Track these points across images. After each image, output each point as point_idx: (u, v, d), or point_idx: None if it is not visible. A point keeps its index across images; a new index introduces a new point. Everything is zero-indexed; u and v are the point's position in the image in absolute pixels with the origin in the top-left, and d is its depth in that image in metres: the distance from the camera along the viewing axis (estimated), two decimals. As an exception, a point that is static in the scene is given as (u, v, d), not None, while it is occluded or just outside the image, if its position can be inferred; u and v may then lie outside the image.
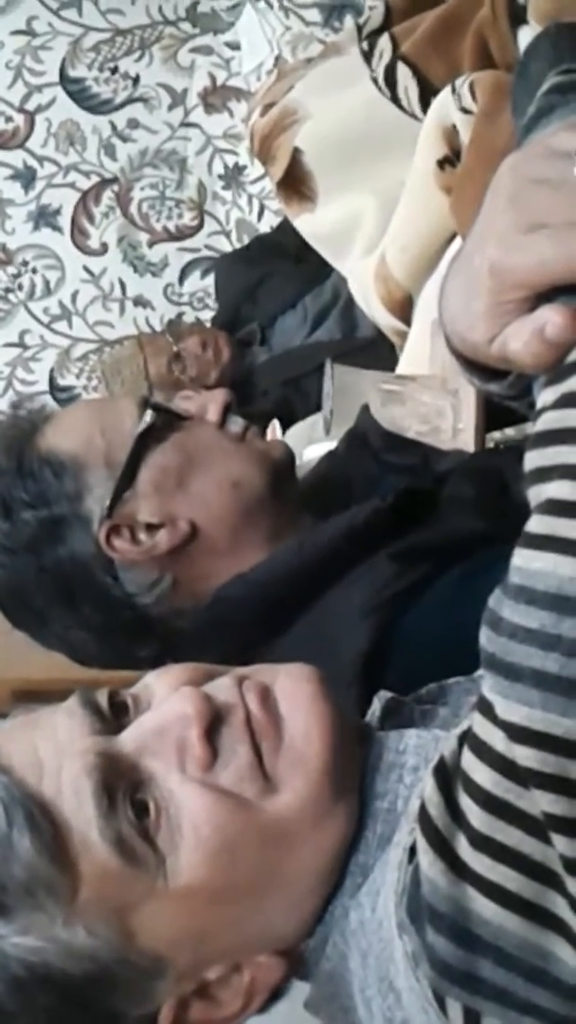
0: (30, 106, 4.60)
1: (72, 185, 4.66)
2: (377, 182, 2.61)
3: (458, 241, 2.23)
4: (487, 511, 1.60)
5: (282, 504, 1.69)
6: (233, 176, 4.59)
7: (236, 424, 1.72)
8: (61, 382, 4.75)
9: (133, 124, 4.64)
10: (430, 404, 2.11)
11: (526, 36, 2.24)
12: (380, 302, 2.59)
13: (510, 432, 2.17)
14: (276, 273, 4.07)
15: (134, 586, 1.66)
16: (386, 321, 2.63)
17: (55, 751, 1.02)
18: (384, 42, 2.55)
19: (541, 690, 0.78)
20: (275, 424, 3.27)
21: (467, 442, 2.07)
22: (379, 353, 2.85)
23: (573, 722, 0.77)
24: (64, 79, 4.59)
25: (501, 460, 1.78)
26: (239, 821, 1.00)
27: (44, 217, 4.66)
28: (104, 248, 4.69)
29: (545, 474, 0.81)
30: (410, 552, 1.55)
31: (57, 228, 4.67)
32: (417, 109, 2.49)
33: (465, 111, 2.25)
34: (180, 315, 4.75)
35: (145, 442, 1.66)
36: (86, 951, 0.98)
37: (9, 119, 4.61)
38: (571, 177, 0.84)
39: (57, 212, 4.66)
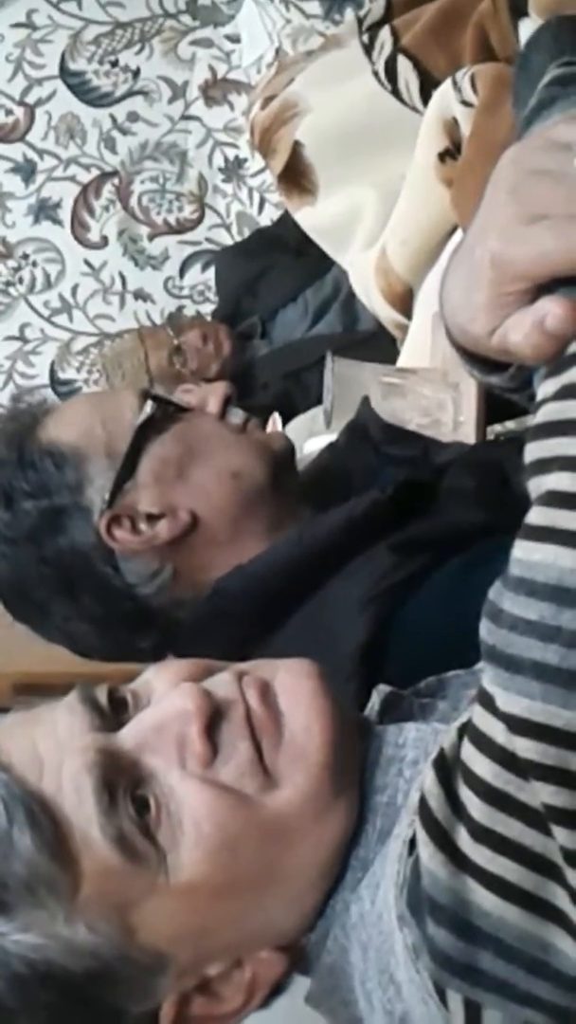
0: (30, 99, 4.60)
1: (72, 178, 4.65)
2: (378, 175, 2.61)
3: (459, 234, 2.22)
4: (487, 503, 1.60)
5: (282, 495, 1.69)
6: (233, 169, 4.59)
7: (236, 416, 1.72)
8: (62, 376, 4.75)
9: (133, 117, 4.63)
10: (431, 397, 2.12)
11: (527, 28, 2.24)
12: (381, 295, 2.59)
13: (511, 425, 2.17)
14: (277, 266, 4.07)
15: (134, 576, 1.66)
16: (387, 314, 2.63)
17: (55, 748, 1.02)
18: (385, 35, 2.55)
19: (541, 682, 0.78)
20: (276, 417, 3.27)
21: (468, 435, 2.07)
22: (380, 346, 2.85)
23: (573, 714, 0.77)
24: (64, 72, 4.59)
25: (501, 452, 1.78)
26: (240, 817, 0.99)
27: (44, 210, 4.65)
28: (104, 241, 4.69)
29: (545, 465, 0.81)
30: (409, 543, 1.55)
31: (57, 221, 4.67)
32: (418, 102, 2.49)
33: (466, 104, 2.24)
34: (181, 308, 4.75)
35: (146, 433, 1.66)
36: (87, 948, 0.98)
37: (9, 112, 4.61)
38: (572, 169, 0.84)
39: (57, 205, 4.66)
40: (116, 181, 4.66)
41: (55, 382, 4.74)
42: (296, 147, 2.68)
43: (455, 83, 2.27)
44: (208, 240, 4.71)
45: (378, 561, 1.54)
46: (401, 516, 1.59)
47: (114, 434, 1.66)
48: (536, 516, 0.81)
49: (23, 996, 0.97)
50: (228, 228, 4.67)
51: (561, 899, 0.81)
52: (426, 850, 0.86)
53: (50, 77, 4.59)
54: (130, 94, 4.62)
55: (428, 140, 2.34)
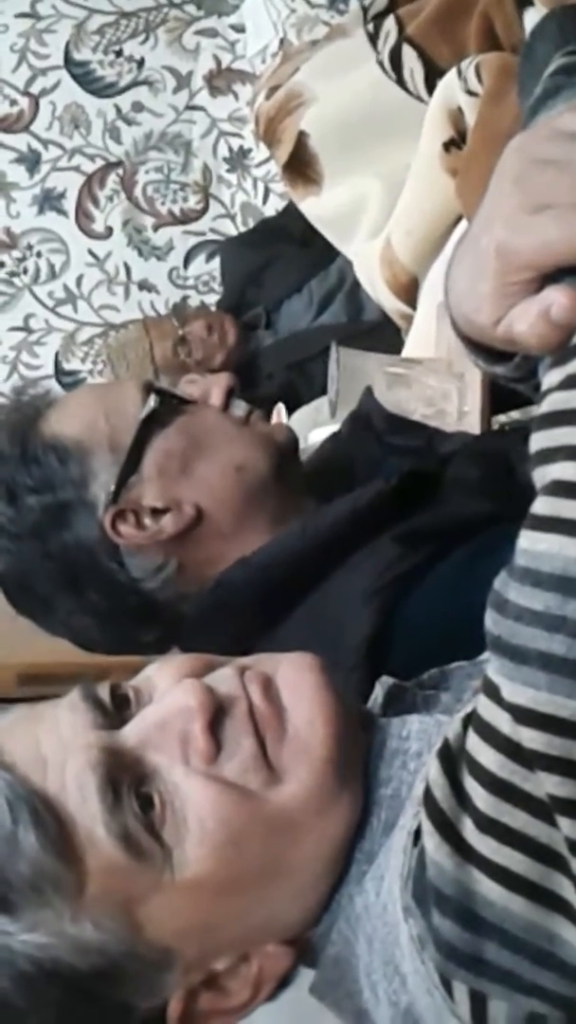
0: (34, 89, 4.60)
1: (77, 168, 4.66)
2: (382, 165, 2.61)
3: (463, 224, 2.22)
4: (492, 493, 1.60)
5: (286, 487, 1.68)
6: (238, 159, 4.59)
7: (240, 408, 1.72)
8: (66, 366, 4.75)
9: (138, 107, 4.63)
10: (436, 387, 2.11)
11: (532, 18, 2.24)
12: (385, 285, 2.58)
13: (516, 415, 2.16)
14: (281, 256, 4.07)
15: (139, 571, 1.66)
16: (391, 304, 2.62)
17: (58, 746, 1.01)
18: (389, 24, 2.55)
19: (547, 672, 0.78)
20: (280, 408, 3.27)
21: (472, 425, 2.06)
22: (385, 336, 2.85)
23: (579, 704, 0.77)
24: (69, 62, 4.59)
25: (506, 442, 1.78)
26: (244, 812, 0.99)
27: (49, 201, 4.65)
28: (109, 232, 4.69)
29: (550, 455, 0.81)
30: (414, 535, 1.55)
31: (62, 212, 4.67)
32: (423, 91, 2.49)
33: (471, 93, 2.24)
34: (185, 299, 4.75)
35: (149, 427, 1.65)
36: (94, 946, 0.98)
37: (14, 102, 4.61)
38: (577, 158, 0.84)
39: (62, 196, 4.66)
40: (120, 171, 4.66)
41: (60, 372, 4.74)
42: (301, 137, 2.67)
43: (460, 72, 2.27)
44: (213, 230, 4.71)
45: (383, 553, 1.53)
46: (405, 506, 1.59)
47: (117, 428, 1.65)
48: (541, 506, 0.81)
49: (31, 995, 0.97)
50: (233, 218, 4.67)
51: (566, 889, 0.81)
52: (431, 841, 0.86)
53: (54, 67, 4.59)
54: (134, 84, 4.62)
55: (433, 130, 2.34)
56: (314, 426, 2.73)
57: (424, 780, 0.91)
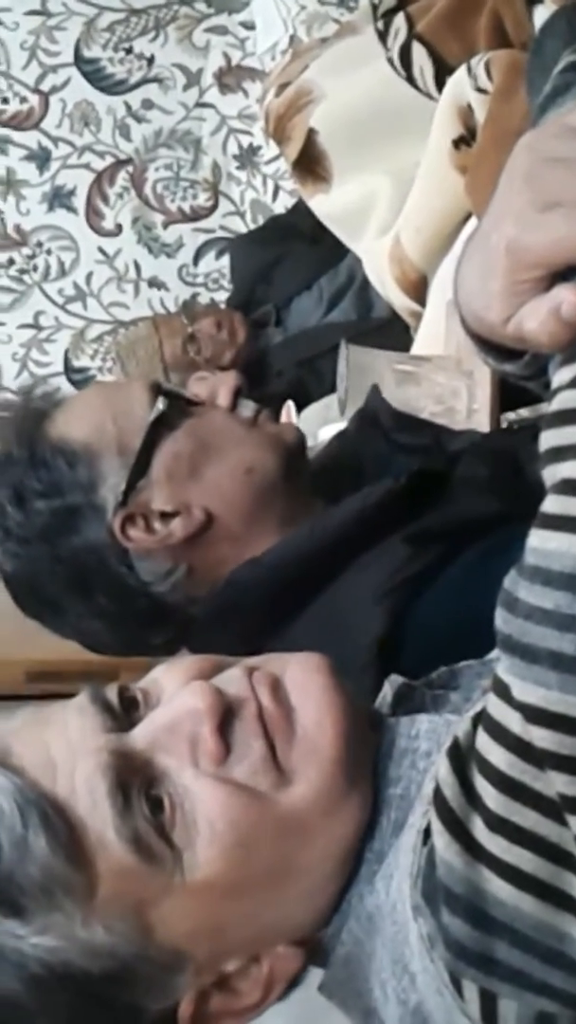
0: (45, 87, 4.60)
1: (87, 166, 4.65)
2: (392, 162, 2.61)
3: (473, 221, 2.22)
4: (501, 492, 1.59)
5: (295, 488, 1.68)
6: (248, 157, 4.58)
7: (247, 408, 1.71)
8: (76, 363, 4.74)
9: (148, 105, 4.63)
10: (445, 384, 2.11)
11: (541, 15, 2.24)
12: (395, 283, 2.59)
13: (525, 412, 2.16)
14: (291, 254, 4.07)
15: (149, 575, 1.65)
16: (401, 302, 2.63)
17: (67, 750, 1.01)
18: (399, 21, 2.55)
19: (558, 671, 0.78)
20: (290, 405, 3.27)
21: (482, 422, 2.06)
22: (394, 334, 2.85)
23: (589, 703, 0.77)
24: (79, 59, 4.59)
25: (515, 440, 1.77)
26: (254, 814, 0.99)
27: (59, 198, 4.65)
28: (119, 229, 4.69)
29: (560, 454, 0.81)
30: (424, 535, 1.55)
31: (72, 209, 4.66)
32: (432, 89, 2.49)
33: (481, 90, 2.24)
34: (195, 296, 4.75)
35: (158, 430, 1.65)
36: (105, 949, 0.98)
37: (24, 100, 4.61)
38: (587, 156, 0.84)
39: (72, 193, 4.65)
40: (130, 169, 4.66)
41: (69, 370, 4.74)
42: (310, 134, 2.68)
43: (470, 70, 2.27)
44: (222, 228, 4.71)
45: (393, 553, 1.53)
46: (414, 506, 1.59)
47: (126, 430, 1.65)
48: (551, 504, 0.81)
49: (42, 998, 0.97)
50: (242, 216, 4.67)
51: (576, 889, 0.81)
52: (441, 839, 0.86)
53: (64, 64, 4.59)
54: (144, 81, 4.62)
55: (442, 127, 2.34)
56: (324, 423, 2.73)
57: (433, 779, 0.91)
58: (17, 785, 0.98)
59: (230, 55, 4.57)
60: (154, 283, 4.73)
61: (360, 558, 1.56)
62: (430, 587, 1.50)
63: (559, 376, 0.84)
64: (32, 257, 4.68)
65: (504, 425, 2.13)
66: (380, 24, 2.58)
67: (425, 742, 1.04)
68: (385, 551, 1.54)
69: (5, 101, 4.61)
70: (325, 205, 2.78)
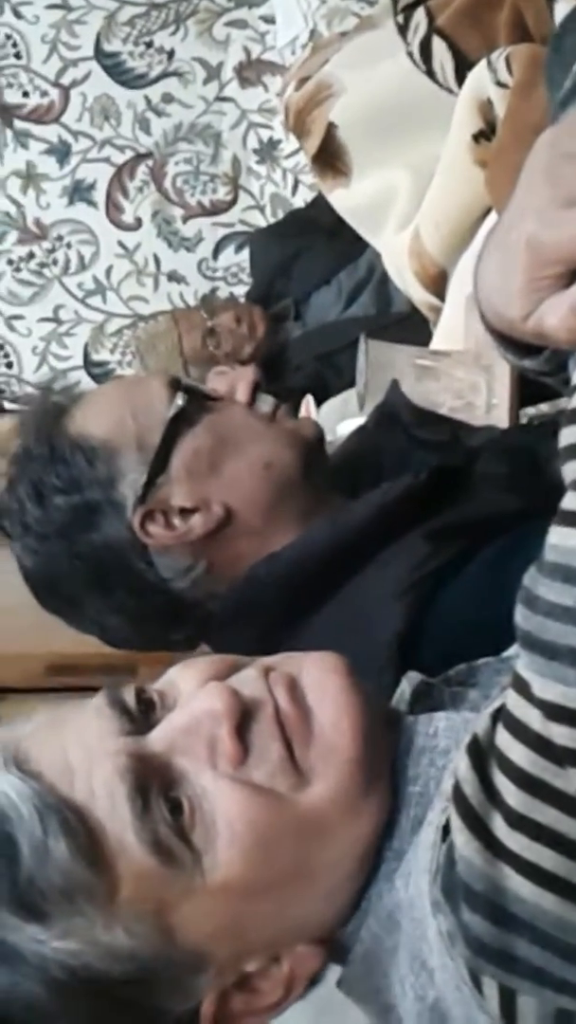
0: (65, 81, 4.60)
1: (107, 160, 4.66)
2: (412, 156, 2.60)
3: (493, 216, 2.22)
4: (520, 488, 1.59)
5: (314, 483, 1.67)
6: (267, 151, 4.58)
7: (266, 403, 1.71)
8: (95, 357, 4.75)
9: (168, 98, 4.63)
10: (464, 379, 2.11)
11: (562, 9, 2.23)
12: (414, 277, 2.58)
13: (544, 408, 2.16)
14: (310, 248, 4.07)
15: (169, 571, 1.65)
16: (420, 296, 2.62)
17: (85, 754, 1.01)
18: (419, 15, 2.55)
19: (578, 668, 0.78)
20: (309, 399, 3.27)
21: (501, 418, 2.06)
22: (413, 328, 2.84)
23: (610, 701, 0.77)
24: (99, 53, 4.59)
25: (534, 436, 1.77)
26: (273, 815, 0.99)
27: (79, 192, 4.66)
28: (138, 223, 4.69)
29: (580, 450, 0.81)
30: (444, 531, 1.54)
31: (92, 203, 4.67)
32: (452, 83, 2.49)
33: (501, 85, 2.24)
34: (214, 290, 4.75)
35: (177, 426, 1.64)
36: (126, 952, 0.97)
37: (44, 94, 4.61)
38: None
39: (92, 187, 4.66)
40: (150, 163, 4.66)
41: (89, 364, 4.74)
42: (330, 128, 2.67)
43: (490, 64, 2.27)
44: (242, 222, 4.71)
45: (413, 549, 1.53)
46: (434, 502, 1.59)
47: (145, 426, 1.64)
48: (571, 501, 0.81)
49: (64, 1002, 0.97)
50: (262, 210, 4.67)
51: (597, 887, 0.81)
52: (461, 837, 0.86)
53: (85, 58, 4.59)
54: (164, 75, 4.62)
55: (462, 121, 2.34)
56: (343, 418, 2.73)
57: (452, 776, 0.91)
58: (36, 790, 0.98)
59: (250, 49, 4.57)
60: (174, 277, 4.73)
61: (380, 554, 1.55)
62: (450, 584, 1.49)
63: (579, 372, 0.84)
64: (52, 251, 4.69)
65: (523, 421, 2.12)
66: (400, 18, 2.58)
67: (443, 740, 1.04)
68: (405, 547, 1.54)
69: (26, 95, 4.61)
70: (345, 199, 2.78)
